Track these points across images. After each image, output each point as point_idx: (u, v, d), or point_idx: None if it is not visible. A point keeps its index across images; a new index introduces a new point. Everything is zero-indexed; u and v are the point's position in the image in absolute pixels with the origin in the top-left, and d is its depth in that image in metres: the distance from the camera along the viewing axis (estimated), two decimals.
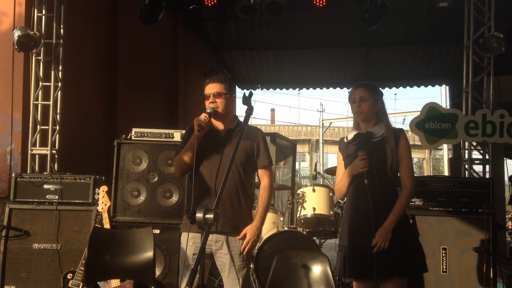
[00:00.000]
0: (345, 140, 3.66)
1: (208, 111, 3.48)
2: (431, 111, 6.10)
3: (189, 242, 3.43)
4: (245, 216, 3.55)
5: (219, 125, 3.62)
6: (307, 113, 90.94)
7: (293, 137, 26.31)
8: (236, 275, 3.44)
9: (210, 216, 2.18)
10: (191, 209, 3.44)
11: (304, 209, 5.99)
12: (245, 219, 3.55)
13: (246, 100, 2.69)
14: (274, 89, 13.67)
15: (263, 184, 3.62)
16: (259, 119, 41.51)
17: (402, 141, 3.44)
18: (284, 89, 13.57)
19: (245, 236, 3.47)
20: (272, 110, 39.10)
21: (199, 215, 2.18)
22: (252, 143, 3.57)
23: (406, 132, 3.58)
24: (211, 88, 3.56)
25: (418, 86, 12.41)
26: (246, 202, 3.56)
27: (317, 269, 3.76)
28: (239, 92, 13.33)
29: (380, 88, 3.71)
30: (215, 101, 3.52)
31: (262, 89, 13.61)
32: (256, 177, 3.81)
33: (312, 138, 32.45)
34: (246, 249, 3.43)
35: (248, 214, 3.60)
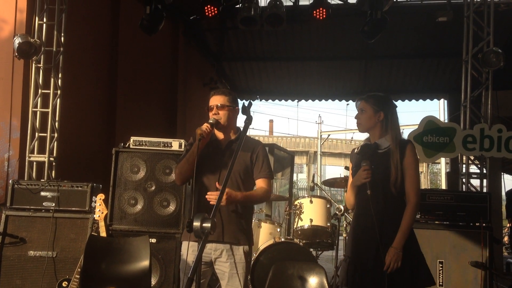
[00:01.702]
0: (355, 151, 3.66)
1: (211, 121, 3.52)
2: (429, 125, 6.13)
3: (189, 250, 3.47)
4: (243, 226, 3.54)
5: (221, 136, 3.66)
6: (305, 125, 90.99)
7: (291, 149, 26.32)
8: (235, 283, 3.45)
9: (207, 225, 2.18)
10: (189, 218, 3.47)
11: (301, 220, 5.99)
12: (244, 229, 3.55)
13: (246, 110, 2.70)
14: (273, 100, 13.72)
15: (260, 185, 3.60)
16: (258, 130, 41.46)
17: (408, 153, 3.39)
18: (283, 101, 13.60)
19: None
20: (271, 121, 39.06)
21: (196, 223, 2.18)
22: (252, 155, 3.59)
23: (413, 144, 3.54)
24: (215, 100, 3.62)
25: (417, 100, 12.42)
26: (244, 213, 3.56)
27: (313, 281, 3.76)
28: (239, 103, 13.33)
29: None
30: (218, 112, 3.57)
31: (261, 100, 13.67)
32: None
33: (310, 149, 32.45)
34: (212, 199, 3.35)
35: (247, 224, 3.60)
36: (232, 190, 3.41)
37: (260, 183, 3.60)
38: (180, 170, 3.60)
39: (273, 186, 10.62)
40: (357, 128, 3.66)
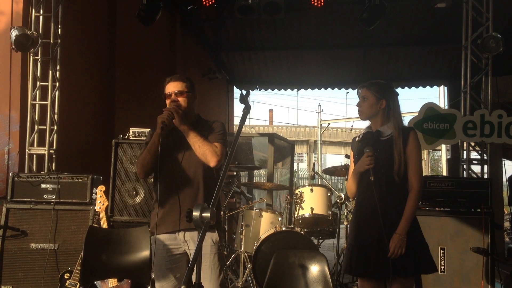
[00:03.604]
0: (357, 139, 3.65)
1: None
2: (429, 112, 6.11)
3: (160, 244, 3.38)
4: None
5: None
6: (305, 114, 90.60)
7: (291, 138, 26.33)
8: (206, 275, 3.29)
9: (207, 214, 2.17)
10: (157, 208, 3.35)
11: (302, 209, 5.99)
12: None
13: (243, 99, 2.67)
14: (272, 89, 13.69)
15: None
16: (258, 119, 41.58)
17: (410, 140, 3.40)
18: (282, 90, 13.59)
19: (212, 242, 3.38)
20: (271, 111, 39.03)
21: (195, 213, 2.16)
22: (209, 129, 3.49)
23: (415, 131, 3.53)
24: (173, 87, 3.51)
25: (417, 87, 12.41)
26: (209, 198, 3.36)
27: (314, 269, 3.75)
28: (237, 93, 13.32)
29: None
30: (177, 99, 3.46)
31: (260, 90, 13.63)
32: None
33: (310, 139, 32.44)
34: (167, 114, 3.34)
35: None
36: (195, 174, 3.37)
37: None
38: (142, 163, 3.44)
39: (274, 175, 10.63)
40: (358, 116, 3.65)
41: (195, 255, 2.11)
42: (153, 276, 4.31)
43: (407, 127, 3.59)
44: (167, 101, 3.51)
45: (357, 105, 3.59)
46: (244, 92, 2.75)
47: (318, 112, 30.58)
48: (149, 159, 3.40)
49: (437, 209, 5.10)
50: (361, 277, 3.49)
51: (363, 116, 3.58)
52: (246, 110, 2.71)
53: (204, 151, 3.32)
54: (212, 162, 3.32)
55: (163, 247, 3.40)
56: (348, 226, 6.17)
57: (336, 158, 29.67)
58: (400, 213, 3.32)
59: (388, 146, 3.40)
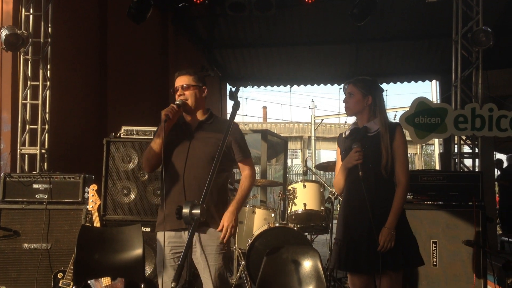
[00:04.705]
0: (343, 135, 3.67)
1: (177, 102, 3.38)
2: (420, 106, 6.12)
3: (164, 241, 3.35)
4: (218, 211, 3.35)
5: (190, 118, 3.50)
6: (298, 110, 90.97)
7: (285, 134, 26.34)
8: (209, 275, 3.30)
9: (196, 211, 2.17)
10: (163, 204, 3.33)
11: (295, 205, 6.00)
12: (218, 214, 3.36)
13: (233, 96, 2.68)
14: (265, 86, 13.72)
15: (244, 174, 3.51)
16: (251, 116, 41.60)
17: (397, 136, 3.44)
18: (275, 86, 13.60)
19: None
20: (264, 107, 39.17)
21: (185, 210, 2.16)
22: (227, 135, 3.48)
23: (401, 127, 3.56)
24: (180, 81, 3.48)
25: (409, 82, 12.43)
26: (219, 197, 3.39)
27: (307, 264, 3.76)
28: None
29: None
30: (184, 93, 3.43)
31: (253, 87, 13.65)
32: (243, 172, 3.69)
33: (304, 135, 32.45)
34: (226, 237, 3.28)
35: (222, 209, 3.40)
36: (203, 172, 3.30)
37: (242, 168, 3.51)
38: (147, 156, 3.44)
39: (267, 172, 10.64)
40: (345, 112, 3.68)
41: (185, 252, 2.12)
42: (148, 273, 4.33)
43: (394, 122, 3.62)
44: (176, 95, 3.48)
45: (344, 101, 3.62)
46: (233, 88, 2.76)
47: (312, 108, 30.57)
48: (154, 153, 3.38)
49: (429, 202, 5.12)
50: (351, 272, 3.51)
51: (349, 112, 3.61)
52: (236, 106, 2.72)
53: (251, 187, 3.56)
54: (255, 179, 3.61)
55: (168, 245, 3.37)
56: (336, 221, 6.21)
57: (330, 153, 29.71)
58: (388, 207, 3.35)
59: (376, 142, 3.43)
